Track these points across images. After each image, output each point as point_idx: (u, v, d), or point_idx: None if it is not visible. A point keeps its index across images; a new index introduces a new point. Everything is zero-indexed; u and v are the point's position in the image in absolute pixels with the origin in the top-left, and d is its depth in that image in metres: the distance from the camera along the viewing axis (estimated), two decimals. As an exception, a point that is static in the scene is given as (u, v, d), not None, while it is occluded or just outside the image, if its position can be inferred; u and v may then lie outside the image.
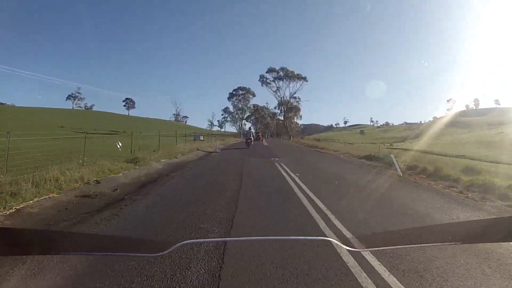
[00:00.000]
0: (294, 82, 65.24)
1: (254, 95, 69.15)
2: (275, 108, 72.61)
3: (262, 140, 45.11)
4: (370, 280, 2.36)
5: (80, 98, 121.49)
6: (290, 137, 57.98)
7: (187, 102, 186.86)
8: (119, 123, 75.07)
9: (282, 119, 71.52)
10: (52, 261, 2.59)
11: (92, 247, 0.75)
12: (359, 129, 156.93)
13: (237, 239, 3.86)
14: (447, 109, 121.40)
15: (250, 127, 38.39)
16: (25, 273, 2.43)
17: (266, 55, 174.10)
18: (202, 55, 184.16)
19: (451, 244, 0.82)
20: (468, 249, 3.01)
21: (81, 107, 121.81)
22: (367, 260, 2.68)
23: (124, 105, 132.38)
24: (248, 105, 69.55)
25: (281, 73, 66.63)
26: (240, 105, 67.92)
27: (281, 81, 65.37)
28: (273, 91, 66.34)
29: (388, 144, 57.98)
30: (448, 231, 0.81)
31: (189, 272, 2.41)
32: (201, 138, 26.95)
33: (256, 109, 78.56)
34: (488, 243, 3.07)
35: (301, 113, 69.28)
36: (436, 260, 2.74)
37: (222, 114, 70.83)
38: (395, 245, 0.88)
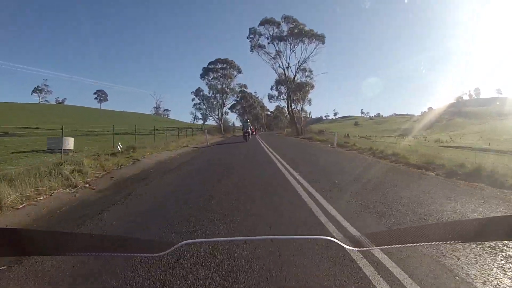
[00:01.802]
0: (304, 45, 37.68)
1: (239, 71, 41.01)
2: (271, 88, 44.83)
3: (256, 134, 33.44)
4: (367, 280, 2.21)
5: (47, 91, 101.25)
6: (299, 132, 34.47)
7: (169, 94, 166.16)
8: (77, 118, 57.26)
9: (285, 105, 43.49)
10: (51, 261, 2.49)
11: (91, 247, 0.73)
12: (351, 120, 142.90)
13: (237, 239, 3.34)
14: (455, 98, 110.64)
15: (247, 120, 31.72)
16: (24, 273, 2.33)
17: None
18: (182, 35, 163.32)
19: (452, 243, 0.80)
20: (471, 247, 2.75)
21: (47, 101, 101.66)
22: (365, 259, 2.49)
23: (95, 98, 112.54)
24: (231, 86, 42.46)
25: (283, 26, 38.08)
26: (219, 86, 40.39)
27: (282, 43, 37.91)
28: (272, 57, 37.99)
29: (435, 140, 41.05)
30: (449, 229, 0.78)
31: (189, 272, 2.31)
32: (69, 145, 8.74)
33: (244, 95, 60.21)
34: (495, 241, 2.36)
35: (310, 95, 40.85)
36: (438, 259, 2.55)
37: (192, 99, 42.29)
38: (395, 244, 0.86)
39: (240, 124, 78.75)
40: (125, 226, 3.70)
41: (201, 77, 40.38)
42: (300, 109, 40.58)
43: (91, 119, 60.26)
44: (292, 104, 39.40)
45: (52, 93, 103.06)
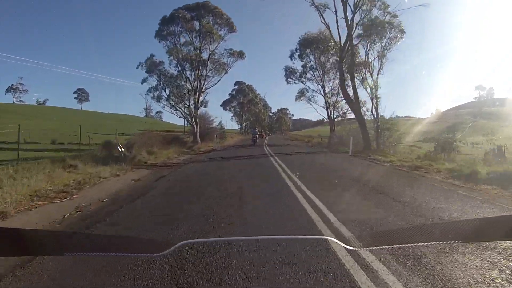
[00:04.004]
0: None
1: (230, 28, 18.81)
2: (291, 56, 21.48)
3: (264, 137, 31.15)
4: (367, 279, 2.05)
5: (23, 90, 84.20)
6: (370, 143, 12.92)
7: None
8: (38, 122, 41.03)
9: (315, 88, 22.16)
10: (52, 261, 2.38)
11: (92, 247, 0.71)
12: (354, 123, 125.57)
13: (237, 239, 3.30)
14: (474, 98, 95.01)
15: (255, 128, 29.13)
16: (25, 273, 2.23)
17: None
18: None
19: (451, 243, 0.75)
20: (469, 248, 2.57)
21: (22, 101, 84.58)
22: (364, 259, 2.31)
23: (75, 98, 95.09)
24: (216, 56, 19.24)
25: None
26: (193, 53, 17.97)
27: None
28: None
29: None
30: (448, 229, 0.75)
31: (189, 272, 2.15)
32: None
33: (241, 88, 42.51)
34: (488, 242, 2.56)
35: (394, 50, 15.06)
36: (435, 258, 2.37)
37: (143, 81, 18.87)
38: (393, 244, 0.82)
39: (238, 126, 63.40)
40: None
41: (156, 37, 18.43)
42: (374, 88, 14.62)
43: (50, 124, 43.90)
44: (366, 69, 15.24)
45: (28, 92, 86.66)
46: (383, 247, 0.91)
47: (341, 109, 22.72)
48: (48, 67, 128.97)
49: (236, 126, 53.02)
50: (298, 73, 22.11)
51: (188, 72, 18.62)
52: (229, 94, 42.75)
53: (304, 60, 21.07)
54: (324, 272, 2.10)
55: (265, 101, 57.08)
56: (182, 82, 19.11)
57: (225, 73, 19.93)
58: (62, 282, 2.13)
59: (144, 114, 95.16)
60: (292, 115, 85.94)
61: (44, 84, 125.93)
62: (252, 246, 2.51)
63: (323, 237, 1.67)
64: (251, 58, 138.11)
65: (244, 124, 47.26)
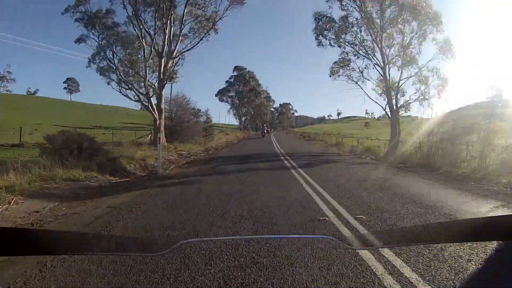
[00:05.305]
0: None
1: None
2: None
3: (269, 132, 31.31)
4: (366, 280, 1.97)
5: (10, 79, 76.15)
6: None
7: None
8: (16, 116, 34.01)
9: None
10: (52, 261, 2.27)
11: (92, 247, 0.69)
12: (358, 121, 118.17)
13: (238, 238, 3.17)
14: (487, 98, 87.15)
15: (264, 125, 32.55)
16: (25, 273, 2.13)
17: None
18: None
19: (456, 243, 0.78)
20: (473, 246, 2.47)
21: (9, 91, 76.79)
22: (366, 259, 2.24)
23: (65, 88, 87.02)
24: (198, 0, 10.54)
25: None
26: None
27: None
28: None
29: None
30: (452, 229, 0.73)
31: (189, 272, 2.07)
32: None
33: (241, 74, 34.70)
34: (492, 241, 2.40)
35: None
36: (440, 258, 2.27)
37: (77, 40, 10.71)
38: (398, 244, 0.75)
39: (237, 121, 56.94)
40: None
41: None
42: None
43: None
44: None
45: (15, 81, 78.71)
46: (385, 246, 0.85)
47: (403, 93, 12.74)
48: (32, 46, 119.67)
49: (234, 120, 45.48)
50: (337, 27, 11.87)
51: (151, 31, 10.44)
52: (226, 81, 35.00)
53: (346, 8, 11.57)
54: (327, 272, 2.07)
55: (268, 93, 49.45)
56: (139, 44, 10.99)
57: (211, 30, 11.71)
58: (61, 281, 2.04)
59: (140, 107, 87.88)
60: (295, 110, 78.79)
61: (36, 73, 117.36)
62: (254, 246, 2.46)
63: (326, 236, 1.39)
64: (251, 52, 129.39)
65: (243, 119, 39.53)
